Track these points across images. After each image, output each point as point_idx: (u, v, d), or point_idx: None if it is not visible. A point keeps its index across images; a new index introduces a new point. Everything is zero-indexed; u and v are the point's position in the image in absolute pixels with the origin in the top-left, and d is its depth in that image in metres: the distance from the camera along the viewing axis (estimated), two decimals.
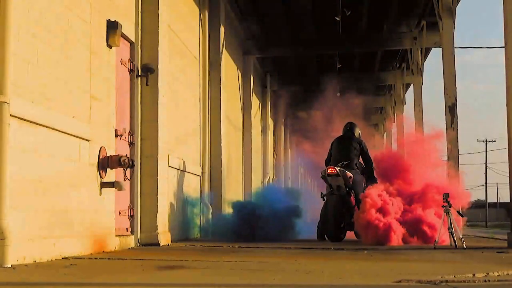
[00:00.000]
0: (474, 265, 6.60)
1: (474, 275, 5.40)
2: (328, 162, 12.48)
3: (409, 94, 25.02)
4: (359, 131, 12.86)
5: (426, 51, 21.35)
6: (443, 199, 9.84)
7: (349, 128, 12.77)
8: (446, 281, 5.00)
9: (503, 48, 9.88)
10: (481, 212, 64.76)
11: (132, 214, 9.41)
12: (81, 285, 4.86)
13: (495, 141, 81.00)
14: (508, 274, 5.62)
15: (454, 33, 14.44)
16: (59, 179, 6.98)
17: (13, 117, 5.94)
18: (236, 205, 12.86)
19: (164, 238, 9.90)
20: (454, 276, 5.25)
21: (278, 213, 12.29)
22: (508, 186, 9.99)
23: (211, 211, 14.02)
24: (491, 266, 6.25)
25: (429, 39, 19.54)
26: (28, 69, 6.36)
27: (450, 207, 9.75)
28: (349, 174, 11.87)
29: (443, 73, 14.28)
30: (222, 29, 15.12)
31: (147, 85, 9.75)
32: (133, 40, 9.61)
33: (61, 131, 7.01)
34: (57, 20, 7.01)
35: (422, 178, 12.02)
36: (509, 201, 10.59)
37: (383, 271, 5.85)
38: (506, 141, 9.80)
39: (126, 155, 8.81)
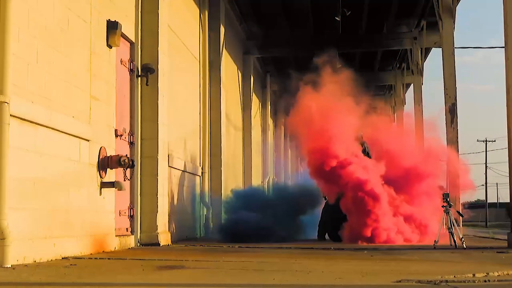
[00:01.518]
0: (474, 265, 6.60)
1: (474, 275, 5.41)
2: None
3: (409, 94, 25.03)
4: (361, 133, 12.86)
5: (426, 51, 21.34)
6: (443, 199, 9.86)
7: None
8: (446, 281, 5.00)
9: (503, 48, 9.89)
10: (481, 212, 64.67)
11: (132, 214, 9.41)
12: (81, 285, 4.86)
13: (495, 141, 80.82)
14: (508, 274, 5.62)
15: (454, 33, 14.45)
16: (59, 179, 6.98)
17: (13, 117, 5.94)
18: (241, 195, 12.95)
19: (164, 238, 9.90)
20: (454, 276, 5.25)
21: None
22: (508, 186, 9.99)
23: (211, 211, 14.03)
24: (491, 266, 6.25)
25: (429, 39, 19.53)
26: (28, 69, 6.36)
27: (450, 207, 9.76)
28: None
29: (443, 73, 14.29)
30: (222, 29, 15.12)
31: (147, 85, 9.74)
32: (133, 40, 9.60)
33: (61, 131, 7.01)
34: (57, 20, 7.01)
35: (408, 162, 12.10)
36: (509, 201, 10.60)
37: (383, 271, 5.85)
38: (506, 141, 9.81)
39: (126, 155, 8.81)
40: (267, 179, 23.55)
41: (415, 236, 11.41)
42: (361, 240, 10.95)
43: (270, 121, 25.70)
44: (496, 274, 5.55)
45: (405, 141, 12.65)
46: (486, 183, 70.69)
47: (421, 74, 21.16)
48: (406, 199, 11.71)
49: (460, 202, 13.14)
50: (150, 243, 9.57)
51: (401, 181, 11.79)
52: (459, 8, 15.40)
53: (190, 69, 13.41)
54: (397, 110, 25.90)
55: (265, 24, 19.53)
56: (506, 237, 10.39)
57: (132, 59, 9.59)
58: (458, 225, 10.61)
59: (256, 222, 11.54)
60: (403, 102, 25.52)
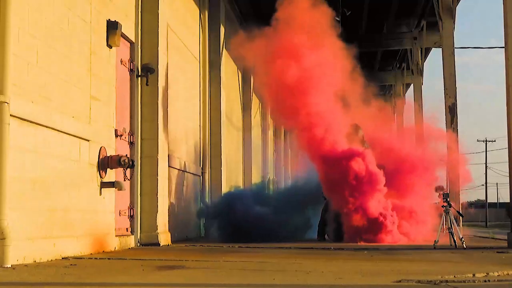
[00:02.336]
0: (474, 265, 6.60)
1: (474, 275, 5.41)
2: None
3: (409, 94, 25.07)
4: (362, 133, 12.85)
5: (426, 51, 21.36)
6: (443, 199, 9.86)
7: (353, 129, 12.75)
8: (446, 281, 5.00)
9: (503, 48, 9.89)
10: (481, 212, 64.67)
11: (132, 214, 9.41)
12: (81, 285, 4.86)
13: (495, 141, 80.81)
14: (508, 274, 5.62)
15: (454, 33, 14.47)
16: (59, 179, 6.98)
17: (13, 117, 5.94)
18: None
19: (164, 238, 9.90)
20: (454, 276, 5.25)
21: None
22: (508, 186, 10.00)
23: None
24: (491, 266, 6.25)
25: (429, 39, 19.56)
26: (28, 69, 6.36)
27: (450, 207, 9.76)
28: None
29: (443, 73, 14.30)
30: (222, 29, 15.12)
31: (147, 85, 9.75)
32: (133, 40, 9.61)
33: (61, 131, 7.01)
34: (57, 20, 7.01)
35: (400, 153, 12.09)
36: (509, 201, 10.61)
37: (383, 271, 5.85)
38: (506, 141, 9.81)
39: (126, 155, 8.81)
40: (267, 179, 23.54)
41: (408, 226, 11.42)
42: (359, 237, 10.94)
43: (270, 121, 25.69)
44: (496, 274, 5.55)
45: (401, 133, 12.66)
46: (486, 183, 70.70)
47: (421, 74, 21.17)
48: (400, 191, 11.68)
49: (460, 202, 13.14)
50: (150, 243, 9.57)
51: (394, 171, 11.77)
52: (459, 8, 15.45)
53: (190, 69, 13.41)
54: (396, 110, 25.91)
55: (265, 24, 19.50)
56: (506, 237, 10.39)
57: (132, 59, 9.59)
58: (458, 225, 10.61)
59: (257, 216, 11.56)
60: (403, 102, 25.54)
